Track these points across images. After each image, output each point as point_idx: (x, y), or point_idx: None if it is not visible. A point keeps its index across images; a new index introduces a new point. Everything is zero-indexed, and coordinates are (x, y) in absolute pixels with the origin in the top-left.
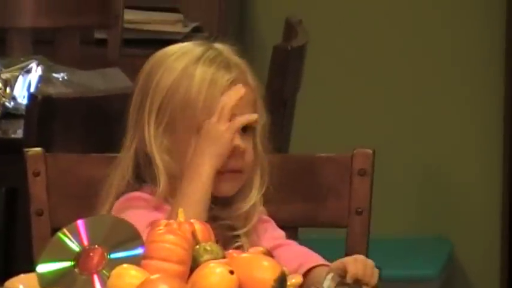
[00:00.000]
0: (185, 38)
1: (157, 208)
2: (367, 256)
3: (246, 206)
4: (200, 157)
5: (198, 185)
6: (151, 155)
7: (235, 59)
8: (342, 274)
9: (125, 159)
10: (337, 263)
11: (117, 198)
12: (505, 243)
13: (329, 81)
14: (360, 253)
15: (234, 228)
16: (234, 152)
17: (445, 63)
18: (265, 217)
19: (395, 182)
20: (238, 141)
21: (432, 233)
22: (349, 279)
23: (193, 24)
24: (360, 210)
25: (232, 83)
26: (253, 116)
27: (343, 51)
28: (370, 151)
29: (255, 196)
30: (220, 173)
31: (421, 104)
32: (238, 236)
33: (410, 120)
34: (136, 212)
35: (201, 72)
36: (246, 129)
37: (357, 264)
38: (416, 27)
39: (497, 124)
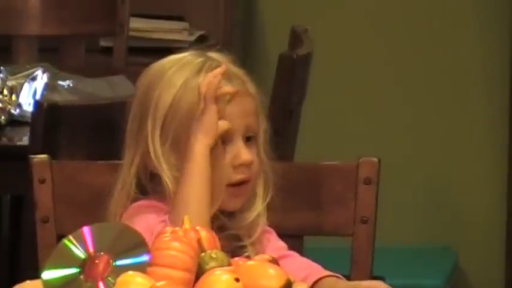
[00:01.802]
0: (191, 46)
1: (167, 213)
2: (372, 265)
3: (251, 215)
4: (191, 140)
5: (193, 161)
6: (160, 171)
7: (234, 69)
8: None
9: (128, 177)
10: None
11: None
12: (510, 253)
13: (335, 90)
14: (364, 262)
15: (240, 239)
16: (242, 165)
17: (453, 75)
18: (268, 228)
19: (401, 191)
20: (245, 155)
21: (437, 243)
22: None
23: (199, 33)
24: (365, 218)
25: (236, 93)
26: (231, 89)
27: (349, 60)
28: (375, 160)
29: (260, 205)
30: (230, 186)
31: (427, 113)
32: (245, 246)
33: (416, 129)
34: (147, 217)
35: None
36: (249, 138)
37: None
38: (422, 37)
39: (503, 134)
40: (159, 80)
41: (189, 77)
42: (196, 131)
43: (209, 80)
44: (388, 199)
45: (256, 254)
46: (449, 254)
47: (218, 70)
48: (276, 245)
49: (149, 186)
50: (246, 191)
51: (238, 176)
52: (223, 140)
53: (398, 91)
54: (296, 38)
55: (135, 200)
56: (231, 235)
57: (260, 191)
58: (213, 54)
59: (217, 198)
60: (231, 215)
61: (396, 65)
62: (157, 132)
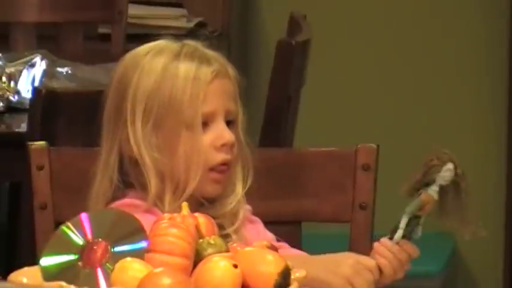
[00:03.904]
0: (189, 33)
1: (148, 211)
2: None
3: (233, 200)
4: None
5: None
6: (140, 155)
7: (211, 52)
8: None
9: (109, 164)
10: None
11: (106, 203)
12: (508, 239)
13: (333, 76)
14: (363, 248)
15: (223, 227)
16: (225, 145)
17: (449, 58)
18: (254, 217)
19: (399, 178)
20: (228, 135)
21: (435, 229)
22: None
23: (197, 19)
24: (363, 205)
25: (216, 75)
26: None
27: (347, 47)
28: (374, 146)
29: (240, 191)
30: (211, 171)
31: (425, 99)
32: (229, 235)
33: (415, 115)
34: None
35: (184, 70)
36: (229, 123)
37: None
38: (419, 23)
39: (500, 120)
40: (135, 66)
41: (168, 61)
42: None
43: None
44: (386, 185)
45: (241, 241)
46: (448, 239)
47: None
48: (266, 236)
49: (133, 176)
50: (226, 176)
51: (221, 157)
52: (206, 121)
53: (397, 77)
54: (294, 24)
55: (118, 190)
56: None
57: (239, 176)
58: (187, 41)
59: (194, 177)
60: (212, 203)
61: (395, 51)
62: (139, 116)
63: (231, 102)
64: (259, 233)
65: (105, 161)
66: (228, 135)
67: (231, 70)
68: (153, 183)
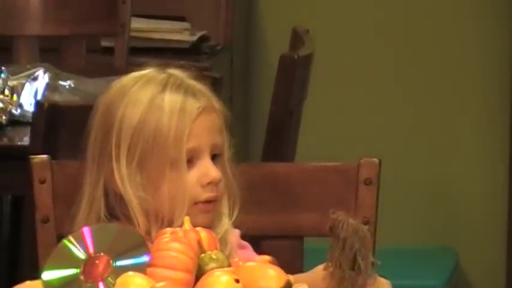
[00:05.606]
0: (192, 46)
1: None
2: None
3: (219, 232)
4: None
5: None
6: (125, 193)
7: (197, 85)
8: None
9: (95, 198)
10: None
11: None
12: (510, 253)
13: (335, 91)
14: None
15: None
16: (210, 183)
17: (454, 75)
18: (244, 242)
19: (401, 192)
20: (214, 172)
21: (438, 243)
22: None
23: (200, 33)
24: (366, 219)
25: (202, 111)
26: None
27: (349, 61)
28: (376, 161)
29: (226, 223)
30: (196, 204)
31: (428, 114)
32: None
33: (417, 130)
34: None
35: (170, 102)
36: (214, 156)
37: None
38: (424, 38)
39: (504, 135)
40: (121, 98)
41: (155, 93)
42: None
43: None
44: (388, 199)
45: None
46: (450, 254)
47: None
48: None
49: (119, 210)
50: (214, 208)
51: (206, 195)
52: (192, 158)
53: (399, 91)
54: (297, 38)
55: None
56: None
57: (225, 210)
58: (173, 71)
59: (179, 215)
60: None
61: (397, 66)
62: (124, 153)
63: (217, 136)
64: (249, 258)
65: (90, 194)
66: (213, 173)
67: (217, 103)
68: (140, 220)
